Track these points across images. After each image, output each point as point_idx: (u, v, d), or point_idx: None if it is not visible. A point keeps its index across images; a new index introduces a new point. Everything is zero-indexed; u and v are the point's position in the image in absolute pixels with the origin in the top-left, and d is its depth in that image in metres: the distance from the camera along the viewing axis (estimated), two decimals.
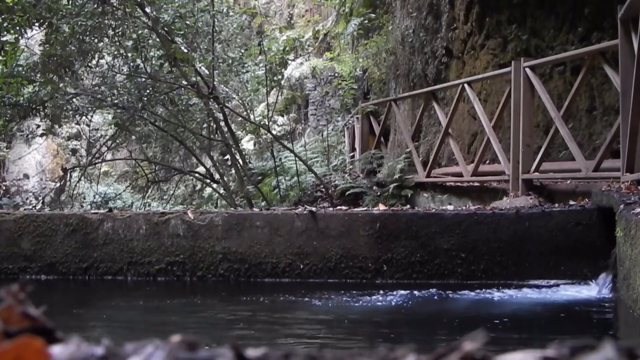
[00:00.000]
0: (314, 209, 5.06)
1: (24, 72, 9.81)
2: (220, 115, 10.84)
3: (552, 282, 4.35)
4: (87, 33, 9.55)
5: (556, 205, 5.09)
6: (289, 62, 12.72)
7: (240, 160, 11.15)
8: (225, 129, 11.00)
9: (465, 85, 7.95)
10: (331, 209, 5.88)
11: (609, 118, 6.54)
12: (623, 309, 3.57)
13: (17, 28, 9.19)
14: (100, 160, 12.20)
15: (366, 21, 13.04)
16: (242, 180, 11.12)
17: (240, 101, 12.20)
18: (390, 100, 10.66)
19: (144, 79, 10.18)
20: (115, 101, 10.34)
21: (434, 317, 3.76)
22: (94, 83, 10.66)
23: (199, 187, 16.99)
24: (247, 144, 15.66)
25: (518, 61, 6.87)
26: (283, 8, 19.96)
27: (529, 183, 6.65)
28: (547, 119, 6.94)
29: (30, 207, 12.15)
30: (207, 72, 10.31)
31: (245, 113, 12.26)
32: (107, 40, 10.06)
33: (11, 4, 8.93)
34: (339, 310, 3.93)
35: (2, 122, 10.17)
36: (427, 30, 10.18)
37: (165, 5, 9.80)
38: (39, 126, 11.22)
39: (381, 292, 4.24)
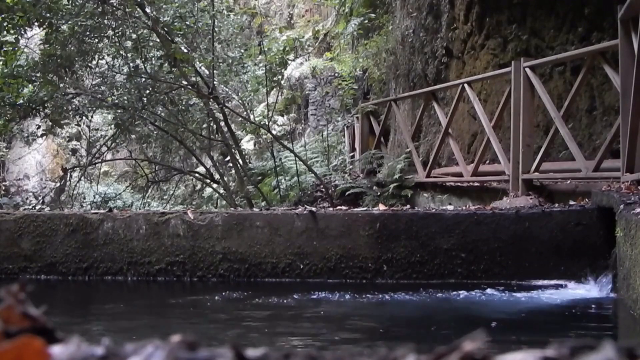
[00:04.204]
0: (314, 209, 5.06)
1: (24, 72, 9.81)
2: (220, 115, 10.85)
3: (552, 282, 4.35)
4: (87, 33, 9.55)
5: (556, 205, 5.08)
6: (289, 62, 12.71)
7: (240, 160, 11.15)
8: (225, 129, 11.00)
9: (465, 85, 7.95)
10: (331, 209, 5.87)
11: (609, 118, 6.54)
12: (623, 309, 3.57)
13: (17, 28, 9.19)
14: (100, 160, 12.20)
15: (366, 21, 13.04)
16: (242, 180, 11.13)
17: (240, 101, 12.20)
18: (390, 100, 10.66)
19: (144, 79, 10.18)
20: (115, 101, 10.34)
21: (434, 317, 3.76)
22: (94, 83, 10.66)
23: (199, 187, 16.99)
24: (247, 144, 15.66)
25: (518, 61, 6.87)
26: (283, 8, 19.95)
27: (529, 183, 6.65)
28: (547, 119, 6.94)
29: (30, 207, 12.15)
30: (207, 72, 10.31)
31: (245, 113, 12.26)
32: (107, 40, 10.06)
33: (11, 4, 8.93)
34: (339, 310, 3.93)
35: (2, 122, 10.17)
36: (427, 30, 10.18)
37: (165, 6, 9.80)
38: (39, 126, 11.21)
39: (381, 292, 4.24)
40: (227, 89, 11.91)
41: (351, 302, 4.09)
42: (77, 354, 0.55)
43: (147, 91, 10.25)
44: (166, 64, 9.99)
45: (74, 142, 20.32)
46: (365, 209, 5.79)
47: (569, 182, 6.35)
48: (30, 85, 10.14)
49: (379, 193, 9.86)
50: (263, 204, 10.96)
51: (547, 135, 6.57)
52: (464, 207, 5.44)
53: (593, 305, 3.82)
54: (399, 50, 11.44)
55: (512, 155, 6.84)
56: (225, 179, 12.14)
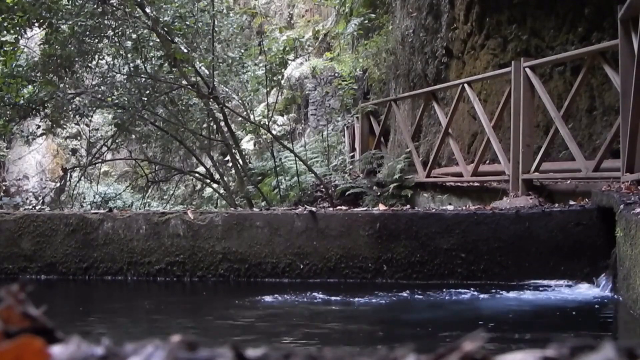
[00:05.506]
0: (314, 209, 5.06)
1: (24, 72, 9.80)
2: (220, 115, 10.85)
3: (552, 282, 4.35)
4: (87, 33, 9.55)
5: (556, 205, 5.09)
6: (289, 62, 12.71)
7: (240, 160, 11.15)
8: (225, 129, 11.00)
9: (465, 85, 7.95)
10: (331, 209, 5.87)
11: (609, 118, 6.54)
12: (623, 309, 3.57)
13: (17, 28, 9.19)
14: (100, 160, 12.20)
15: (366, 21, 13.03)
16: (242, 180, 11.13)
17: (240, 101, 12.20)
18: (390, 100, 10.66)
19: (144, 79, 10.18)
20: (116, 101, 10.34)
21: (433, 316, 3.76)
22: (94, 83, 10.66)
23: (199, 187, 16.99)
24: (247, 144, 15.65)
25: (518, 61, 6.87)
26: (283, 8, 19.95)
27: (529, 183, 6.65)
28: (547, 119, 6.94)
29: (30, 207, 12.16)
30: (207, 72, 10.31)
31: (245, 113, 12.26)
32: (107, 40, 10.05)
33: (11, 4, 8.93)
34: (339, 310, 3.92)
35: (2, 122, 10.16)
36: (427, 30, 10.18)
37: (165, 6, 9.79)
38: (39, 126, 11.21)
39: (381, 292, 4.24)
40: (227, 89, 11.91)
41: (351, 302, 4.09)
42: (77, 354, 0.55)
43: (147, 91, 10.25)
44: (166, 64, 9.98)
45: (74, 142, 20.32)
46: (365, 209, 5.79)
47: (569, 182, 6.35)
48: (30, 86, 10.13)
49: (379, 193, 9.86)
50: (263, 204, 10.95)
51: (547, 135, 6.58)
52: (464, 207, 5.44)
53: (593, 305, 3.82)
54: (399, 50, 11.44)
55: (512, 155, 6.84)
56: (225, 179, 12.14)
